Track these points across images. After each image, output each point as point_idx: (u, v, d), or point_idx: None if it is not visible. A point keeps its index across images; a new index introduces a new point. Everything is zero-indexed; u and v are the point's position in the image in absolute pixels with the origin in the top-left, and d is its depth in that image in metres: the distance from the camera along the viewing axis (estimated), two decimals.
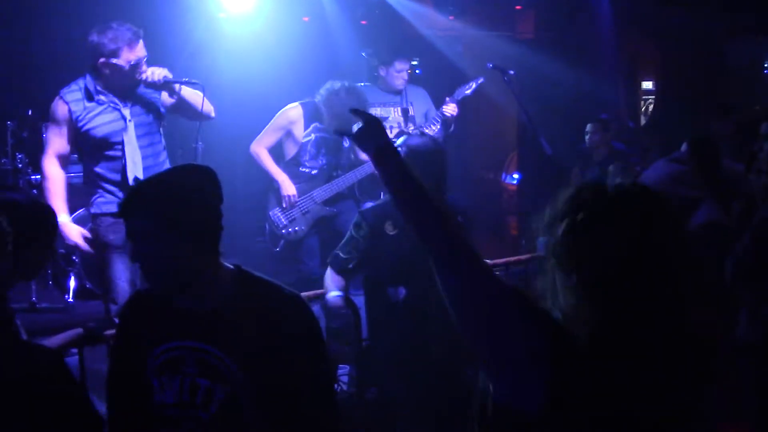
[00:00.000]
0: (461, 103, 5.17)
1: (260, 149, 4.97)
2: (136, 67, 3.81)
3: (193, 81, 3.99)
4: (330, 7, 6.54)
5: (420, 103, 5.44)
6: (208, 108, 4.10)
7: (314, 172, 5.02)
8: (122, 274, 3.95)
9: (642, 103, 8.44)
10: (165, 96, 4.02)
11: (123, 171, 3.94)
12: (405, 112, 5.34)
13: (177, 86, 3.93)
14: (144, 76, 3.83)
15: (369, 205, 3.93)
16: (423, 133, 3.60)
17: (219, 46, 5.69)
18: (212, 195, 1.90)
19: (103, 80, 3.87)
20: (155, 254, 1.83)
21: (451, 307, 1.43)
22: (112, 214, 3.78)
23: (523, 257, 4.56)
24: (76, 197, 5.92)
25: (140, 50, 3.83)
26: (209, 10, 5.64)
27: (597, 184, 1.42)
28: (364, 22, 7.18)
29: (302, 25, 6.73)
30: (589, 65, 6.99)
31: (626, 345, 1.32)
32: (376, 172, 1.65)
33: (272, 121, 5.00)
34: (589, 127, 6.30)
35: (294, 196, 4.92)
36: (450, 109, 5.11)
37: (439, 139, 5.17)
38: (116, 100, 3.90)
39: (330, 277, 3.51)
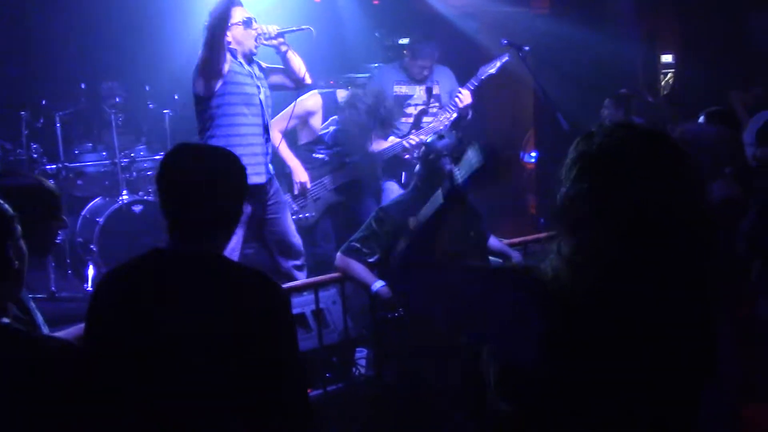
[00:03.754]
0: (484, 83, 5.06)
1: (274, 133, 4.94)
2: (250, 23, 4.19)
3: (303, 27, 4.35)
4: None
5: (445, 82, 5.36)
6: (303, 71, 4.43)
7: (326, 158, 5.00)
8: None
9: (662, 76, 8.28)
10: (272, 77, 4.42)
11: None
12: (429, 90, 5.28)
13: (284, 45, 4.30)
14: (260, 31, 4.22)
15: (391, 200, 3.88)
16: (442, 137, 3.51)
17: None
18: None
19: (234, 50, 4.21)
20: None
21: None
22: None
23: (541, 236, 4.49)
24: (95, 185, 5.98)
25: (245, 10, 4.23)
26: None
27: (597, 134, 1.39)
28: (376, 2, 7.09)
29: (313, 6, 6.66)
30: (607, 39, 6.86)
31: (622, 298, 1.30)
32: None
33: (289, 108, 4.88)
34: (605, 102, 6.19)
35: (306, 183, 4.88)
36: (463, 97, 4.99)
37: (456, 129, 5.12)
38: (249, 69, 4.25)
39: (358, 268, 3.44)
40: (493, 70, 5.02)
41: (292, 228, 4.49)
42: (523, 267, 1.48)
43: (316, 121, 5.00)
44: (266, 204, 4.37)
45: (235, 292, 1.84)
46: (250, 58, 4.28)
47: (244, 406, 1.80)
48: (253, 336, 1.80)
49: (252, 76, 4.25)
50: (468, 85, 5.01)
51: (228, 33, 4.12)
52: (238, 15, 4.17)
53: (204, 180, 1.87)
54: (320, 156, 5.01)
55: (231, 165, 1.95)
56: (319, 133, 4.99)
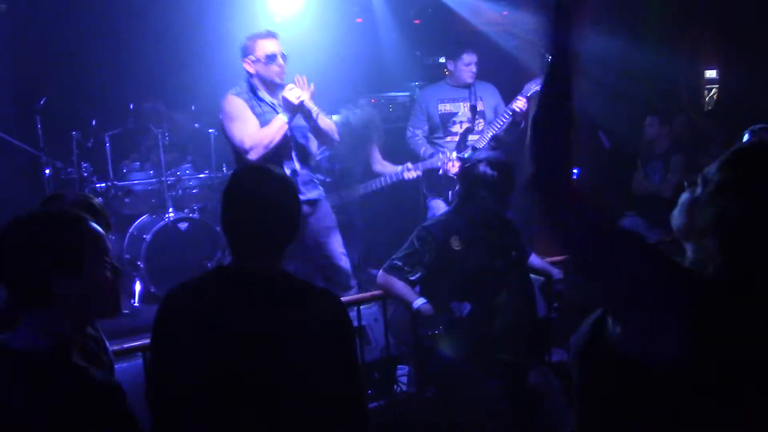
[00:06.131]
0: (531, 99, 5.10)
1: None
2: (272, 59, 4.12)
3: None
4: (381, 8, 6.54)
5: (489, 98, 5.42)
6: (334, 129, 4.40)
7: (329, 180, 5.31)
8: None
9: (706, 92, 8.19)
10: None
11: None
12: (473, 108, 5.33)
13: (315, 113, 4.21)
14: (280, 80, 4.16)
15: (434, 218, 3.91)
16: (494, 148, 3.57)
17: None
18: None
19: (256, 79, 4.22)
20: None
21: (578, 260, 1.46)
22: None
23: None
24: (142, 203, 6.12)
25: (273, 45, 4.14)
26: (258, 14, 5.73)
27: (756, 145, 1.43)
28: (417, 21, 7.16)
29: (355, 27, 6.75)
30: (650, 55, 6.81)
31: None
32: None
33: None
34: (647, 120, 6.16)
35: None
36: (520, 104, 5.04)
37: (507, 138, 5.17)
38: (273, 100, 4.23)
39: (399, 285, 3.47)
40: (538, 87, 5.05)
41: (338, 251, 4.53)
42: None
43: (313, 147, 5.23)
44: (310, 226, 4.42)
45: (304, 304, 1.96)
46: (273, 90, 4.25)
47: (314, 412, 1.89)
48: (323, 343, 1.91)
49: (274, 107, 4.22)
50: (522, 94, 5.08)
51: (252, 65, 4.15)
52: (268, 48, 4.15)
53: (267, 201, 1.97)
54: (323, 179, 5.21)
55: (288, 186, 2.05)
56: (317, 159, 5.12)
